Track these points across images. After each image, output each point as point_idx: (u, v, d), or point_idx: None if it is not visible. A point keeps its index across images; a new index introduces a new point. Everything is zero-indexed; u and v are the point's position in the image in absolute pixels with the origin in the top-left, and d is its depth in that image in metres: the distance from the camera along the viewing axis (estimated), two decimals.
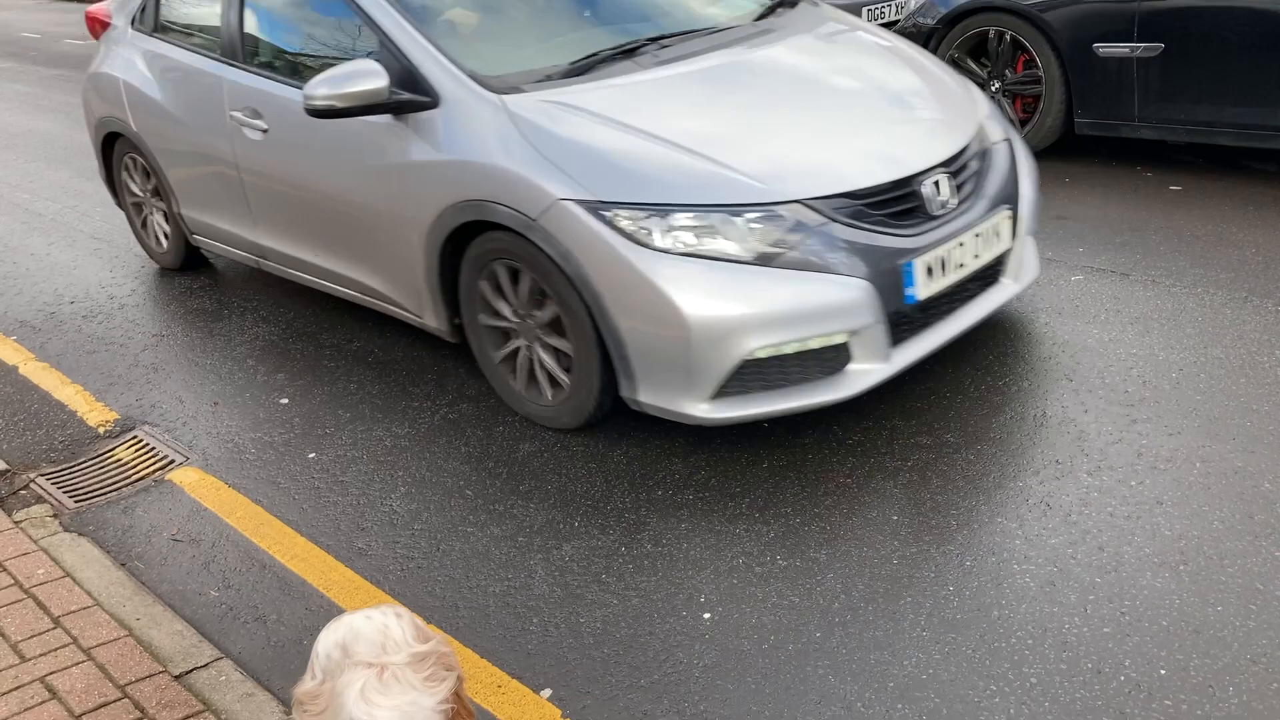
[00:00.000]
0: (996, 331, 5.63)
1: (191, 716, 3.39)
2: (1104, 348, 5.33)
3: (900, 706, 3.28)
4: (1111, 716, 3.16)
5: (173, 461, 5.12)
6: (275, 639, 3.84)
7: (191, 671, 3.64)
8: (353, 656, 1.83)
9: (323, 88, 4.80)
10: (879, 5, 9.99)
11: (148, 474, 5.03)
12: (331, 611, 3.94)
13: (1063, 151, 8.29)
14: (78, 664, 3.66)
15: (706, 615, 3.78)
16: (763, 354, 4.28)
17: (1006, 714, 3.21)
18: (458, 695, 1.94)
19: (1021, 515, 4.14)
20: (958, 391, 5.07)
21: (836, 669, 3.46)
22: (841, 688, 3.38)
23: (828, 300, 4.28)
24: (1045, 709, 3.22)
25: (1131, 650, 3.42)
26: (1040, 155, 8.14)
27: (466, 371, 5.77)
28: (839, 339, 4.36)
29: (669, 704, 3.39)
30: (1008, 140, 5.33)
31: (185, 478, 4.96)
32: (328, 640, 1.91)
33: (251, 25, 6.03)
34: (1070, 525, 4.06)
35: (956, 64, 8.33)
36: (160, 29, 6.82)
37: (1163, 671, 3.32)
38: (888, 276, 4.40)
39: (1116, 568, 3.80)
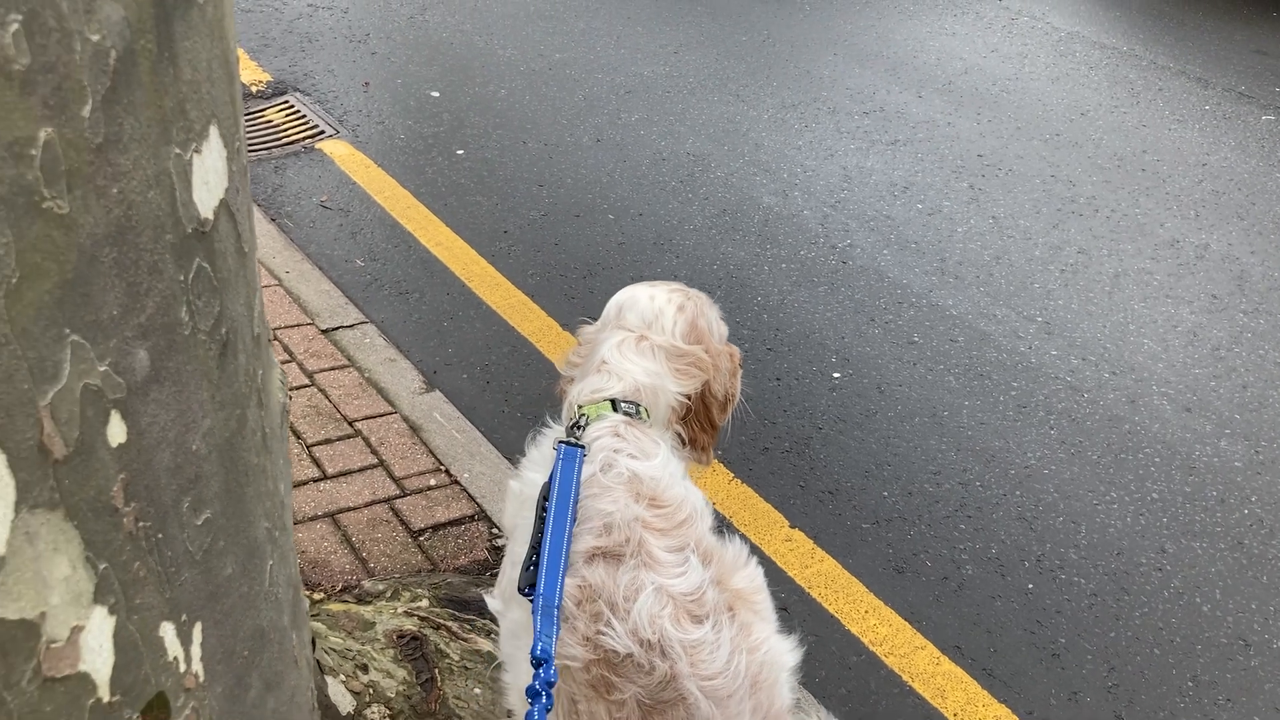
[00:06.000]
0: (1169, 159, 5.37)
1: (337, 369, 3.53)
2: None
3: (1018, 494, 3.32)
4: (1229, 544, 3.18)
5: (323, 132, 5.15)
6: (417, 315, 3.94)
7: (338, 329, 3.77)
8: (621, 320, 1.97)
9: None
10: None
11: (298, 139, 5.07)
12: (471, 300, 4.02)
13: None
14: None
15: (836, 375, 3.81)
16: None
17: (1124, 521, 3.24)
18: (704, 403, 1.95)
19: (1168, 340, 4.06)
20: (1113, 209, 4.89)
21: (959, 448, 3.49)
22: (961, 464, 3.43)
23: None
24: (1162, 524, 3.24)
25: (1260, 488, 3.40)
26: None
27: (624, 72, 5.67)
28: None
29: (796, 456, 3.45)
30: None
31: (335, 149, 5.00)
32: (614, 299, 2.02)
33: None
34: (1217, 359, 3.98)
35: None
36: None
37: None
38: None
39: (1259, 408, 3.74)
